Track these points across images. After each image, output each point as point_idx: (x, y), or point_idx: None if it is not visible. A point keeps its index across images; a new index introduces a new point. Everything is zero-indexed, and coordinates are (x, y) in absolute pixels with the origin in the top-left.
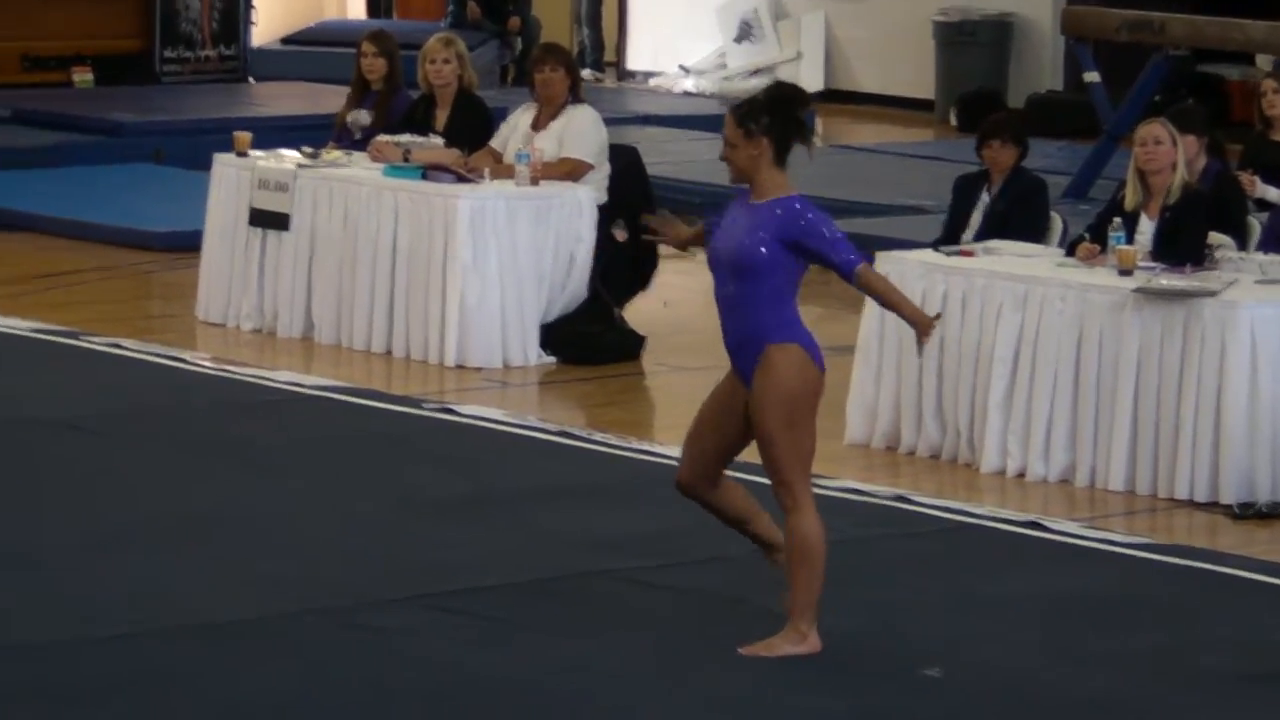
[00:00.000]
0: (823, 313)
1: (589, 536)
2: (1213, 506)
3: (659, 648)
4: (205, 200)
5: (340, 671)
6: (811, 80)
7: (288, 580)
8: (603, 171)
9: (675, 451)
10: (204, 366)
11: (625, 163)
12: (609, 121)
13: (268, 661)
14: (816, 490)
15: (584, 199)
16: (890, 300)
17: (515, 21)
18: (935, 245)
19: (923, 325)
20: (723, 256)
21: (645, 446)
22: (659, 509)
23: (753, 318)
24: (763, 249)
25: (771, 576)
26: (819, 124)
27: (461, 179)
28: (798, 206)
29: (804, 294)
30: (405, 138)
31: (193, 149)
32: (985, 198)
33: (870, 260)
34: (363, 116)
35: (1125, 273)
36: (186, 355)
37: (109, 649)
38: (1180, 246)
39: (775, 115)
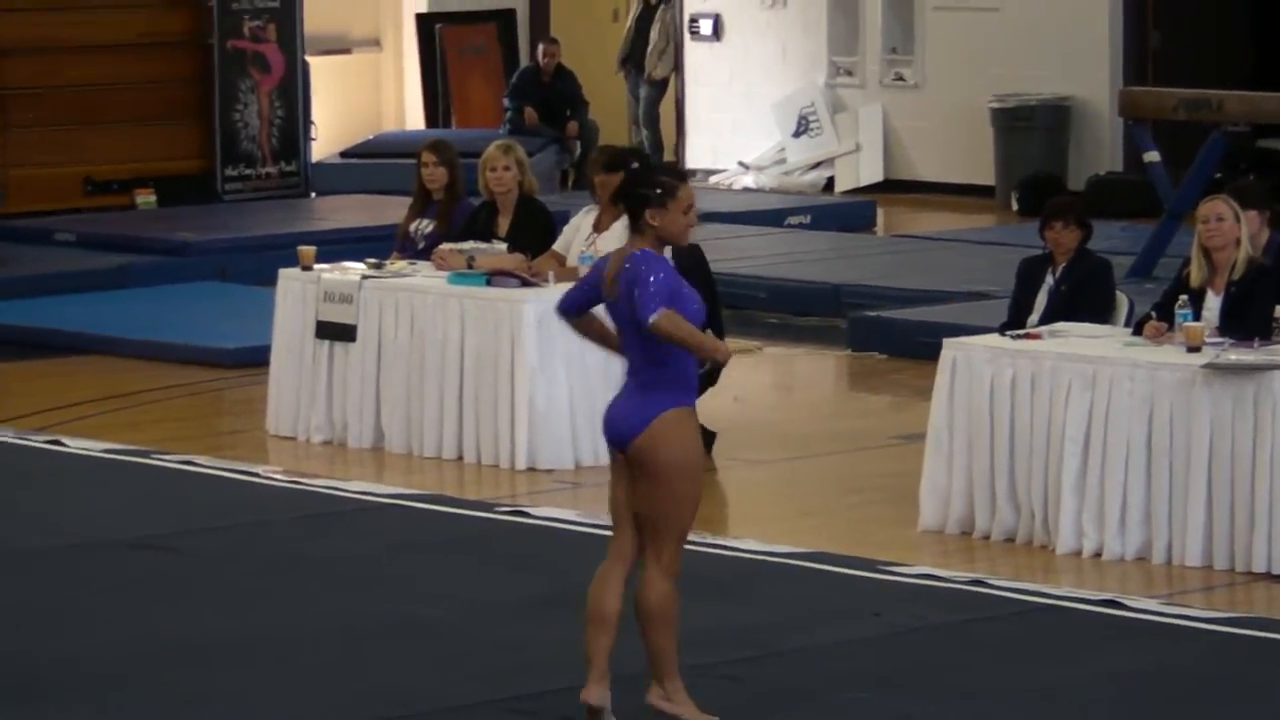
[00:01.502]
0: (893, 400)
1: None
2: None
3: None
4: (271, 315)
5: None
6: (871, 171)
7: (365, 689)
8: None
9: (749, 545)
10: (277, 480)
11: (689, 260)
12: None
13: None
14: (894, 578)
15: None
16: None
17: (573, 126)
18: (1002, 330)
19: (713, 348)
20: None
21: (719, 541)
22: (736, 604)
23: None
24: None
25: (844, 670)
26: (880, 214)
27: (526, 283)
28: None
29: (873, 384)
30: (469, 245)
31: (257, 265)
32: (1050, 280)
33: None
34: (425, 225)
35: (1193, 349)
36: (259, 469)
37: None
38: (1247, 321)
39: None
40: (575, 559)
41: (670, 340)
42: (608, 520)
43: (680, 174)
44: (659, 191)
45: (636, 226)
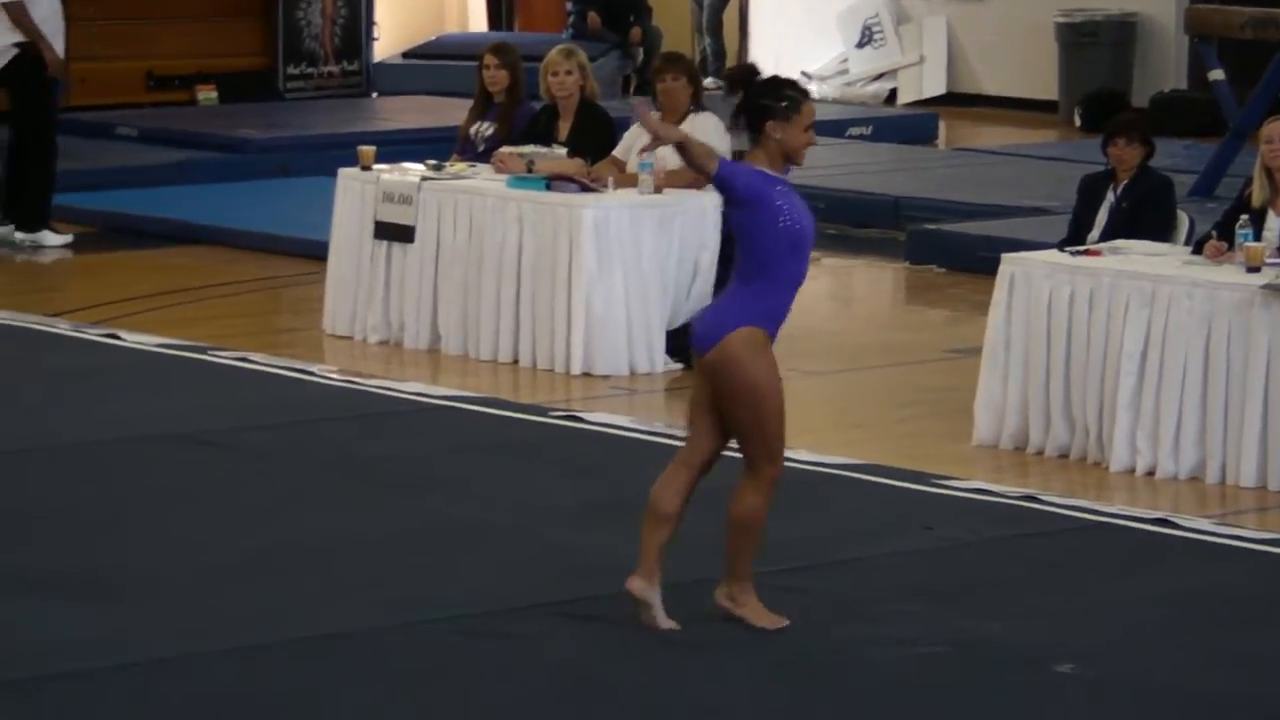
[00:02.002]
0: (950, 314)
1: (720, 542)
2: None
3: (794, 651)
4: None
5: (473, 680)
6: (934, 84)
7: (419, 590)
8: None
9: (803, 456)
10: (332, 379)
11: None
12: (731, 129)
13: (400, 672)
14: (947, 492)
15: (708, 205)
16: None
17: (637, 32)
18: (1061, 246)
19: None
20: (809, 236)
21: None
22: (789, 514)
23: None
24: None
25: (897, 581)
26: (942, 127)
27: (585, 188)
28: None
29: (930, 297)
30: (529, 149)
31: (318, 164)
32: (1111, 197)
33: None
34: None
35: (1253, 269)
36: (314, 368)
37: (232, 663)
38: None
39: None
40: (628, 465)
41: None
42: (661, 428)
43: (804, 90)
44: (784, 105)
45: (756, 139)
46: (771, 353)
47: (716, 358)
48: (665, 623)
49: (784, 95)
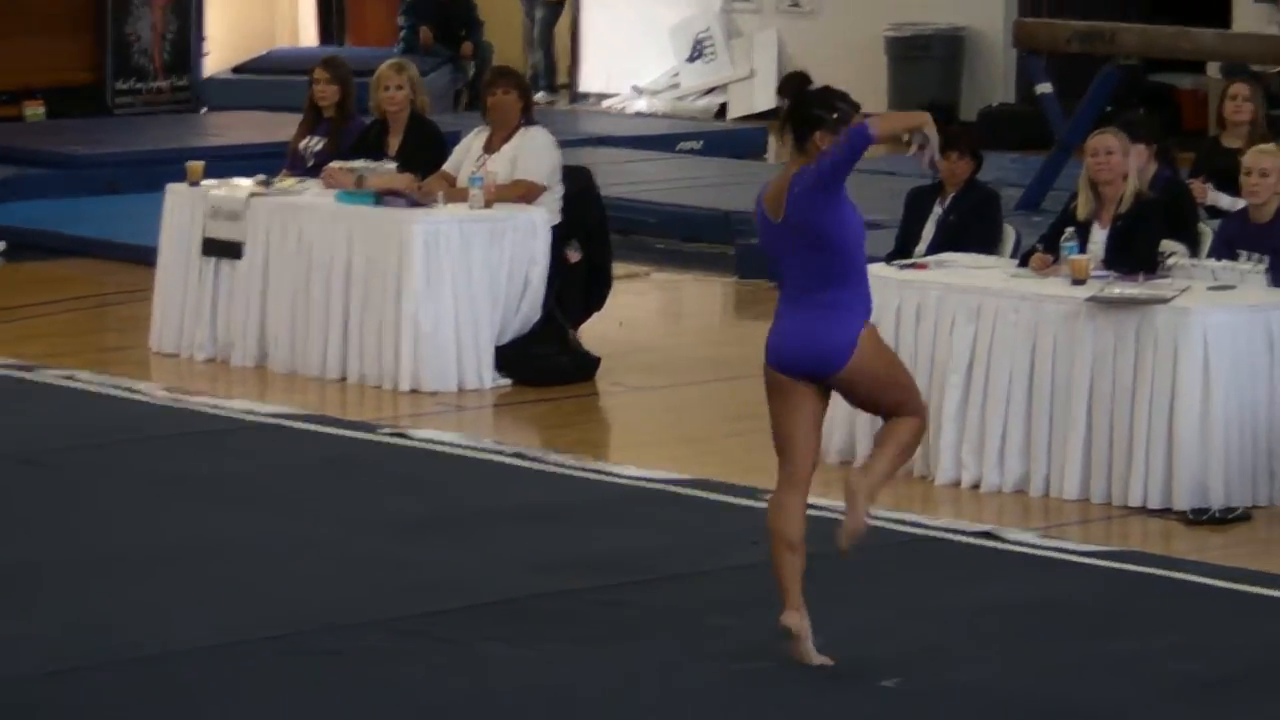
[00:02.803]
0: None
1: (549, 557)
2: (1166, 513)
3: (623, 666)
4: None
5: (302, 698)
6: (764, 98)
7: (248, 608)
8: (556, 193)
9: (631, 471)
10: (158, 397)
11: (579, 184)
12: (562, 143)
13: (228, 690)
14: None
15: (538, 221)
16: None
17: (468, 46)
18: (889, 259)
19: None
20: None
21: (601, 467)
22: (616, 529)
23: None
24: None
25: (722, 596)
26: (772, 141)
27: (415, 203)
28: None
29: (760, 312)
30: (359, 163)
31: (147, 180)
32: (938, 210)
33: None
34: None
35: (1078, 282)
36: (141, 386)
37: (56, 684)
38: (1133, 255)
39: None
40: (456, 481)
41: (894, 129)
42: (490, 444)
43: (855, 104)
44: (835, 116)
45: (803, 148)
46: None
47: (856, 366)
48: (817, 658)
49: (836, 107)
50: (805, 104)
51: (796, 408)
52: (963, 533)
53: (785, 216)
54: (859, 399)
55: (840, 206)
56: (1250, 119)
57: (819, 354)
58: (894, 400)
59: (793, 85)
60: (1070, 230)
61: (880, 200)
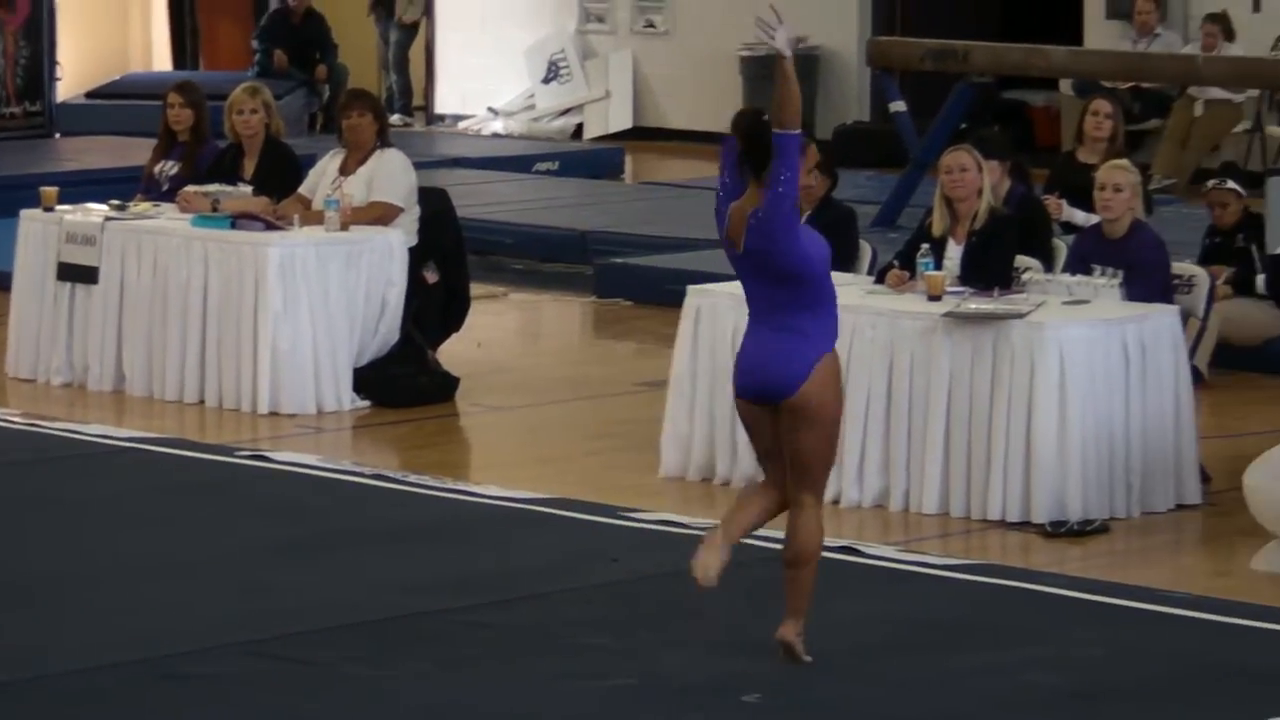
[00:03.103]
0: (638, 347)
1: (411, 579)
2: (1025, 526)
3: (488, 687)
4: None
5: None
6: (620, 118)
7: (110, 633)
8: (412, 214)
9: (492, 491)
10: (14, 422)
11: (435, 205)
12: (418, 165)
13: (91, 715)
14: (634, 524)
15: (394, 242)
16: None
17: (322, 69)
18: None
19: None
20: None
21: (462, 487)
22: (477, 549)
23: None
24: None
25: (583, 615)
26: (628, 161)
27: (271, 226)
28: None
29: (618, 331)
30: (213, 187)
31: (0, 206)
32: None
33: None
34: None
35: (935, 298)
36: None
37: None
38: (988, 270)
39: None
40: (316, 503)
41: (793, 108)
42: (349, 465)
43: (810, 136)
44: None
45: (762, 178)
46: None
47: (809, 390)
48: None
49: None
50: (763, 135)
51: (757, 431)
52: (823, 548)
53: (745, 247)
54: (789, 434)
55: (796, 237)
56: (1110, 135)
57: (770, 381)
58: (809, 461)
59: (746, 120)
60: (926, 247)
61: None
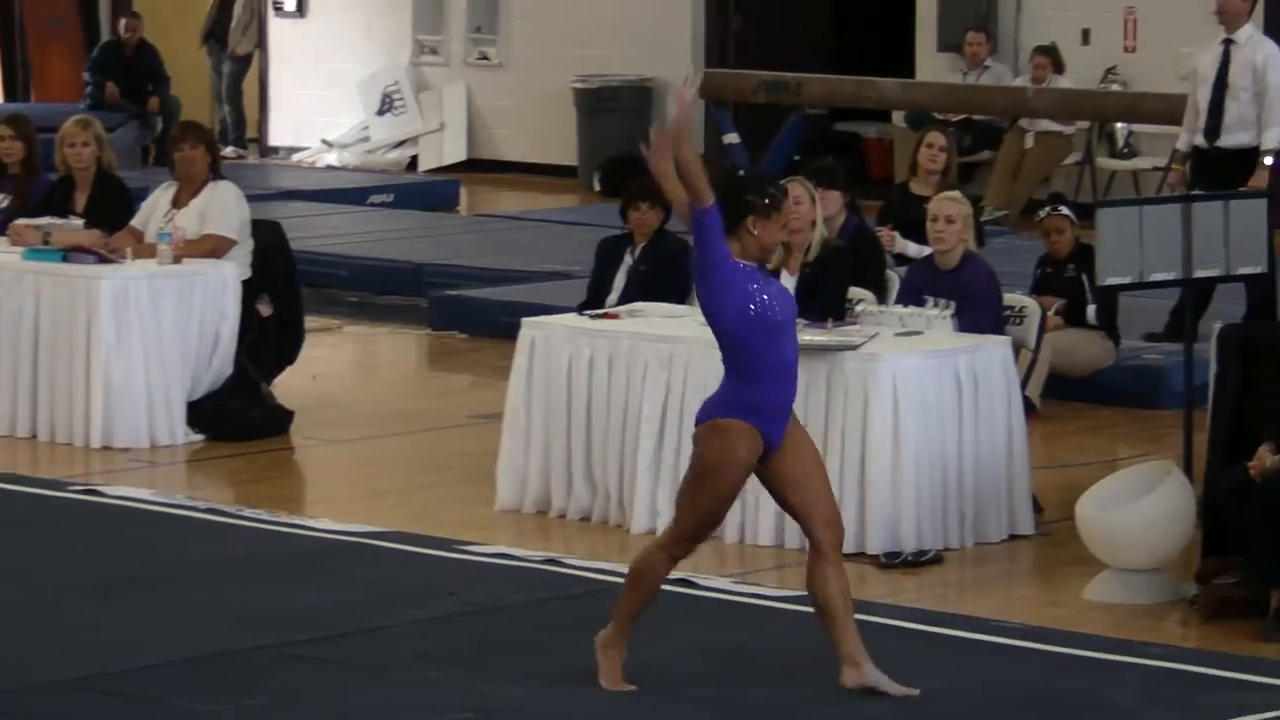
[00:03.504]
0: (473, 380)
1: (245, 613)
2: (860, 557)
3: None
4: None
5: None
6: (454, 150)
7: None
8: (246, 247)
9: (327, 525)
10: None
11: (268, 238)
12: (252, 198)
13: None
14: (470, 557)
15: (227, 275)
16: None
17: (154, 101)
18: (580, 309)
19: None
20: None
21: (297, 521)
22: (311, 583)
23: None
24: None
25: (419, 648)
26: (463, 193)
27: (103, 260)
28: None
29: (453, 363)
30: (45, 220)
31: None
32: (629, 260)
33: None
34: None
35: None
36: None
37: None
38: (821, 302)
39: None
40: (150, 538)
41: (696, 179)
42: (183, 499)
43: (784, 189)
44: (766, 201)
45: (735, 233)
46: (747, 453)
47: (699, 434)
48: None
49: (766, 192)
50: (739, 191)
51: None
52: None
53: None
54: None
55: (719, 299)
56: (943, 167)
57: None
58: (680, 502)
59: (721, 175)
60: None
61: (572, 251)
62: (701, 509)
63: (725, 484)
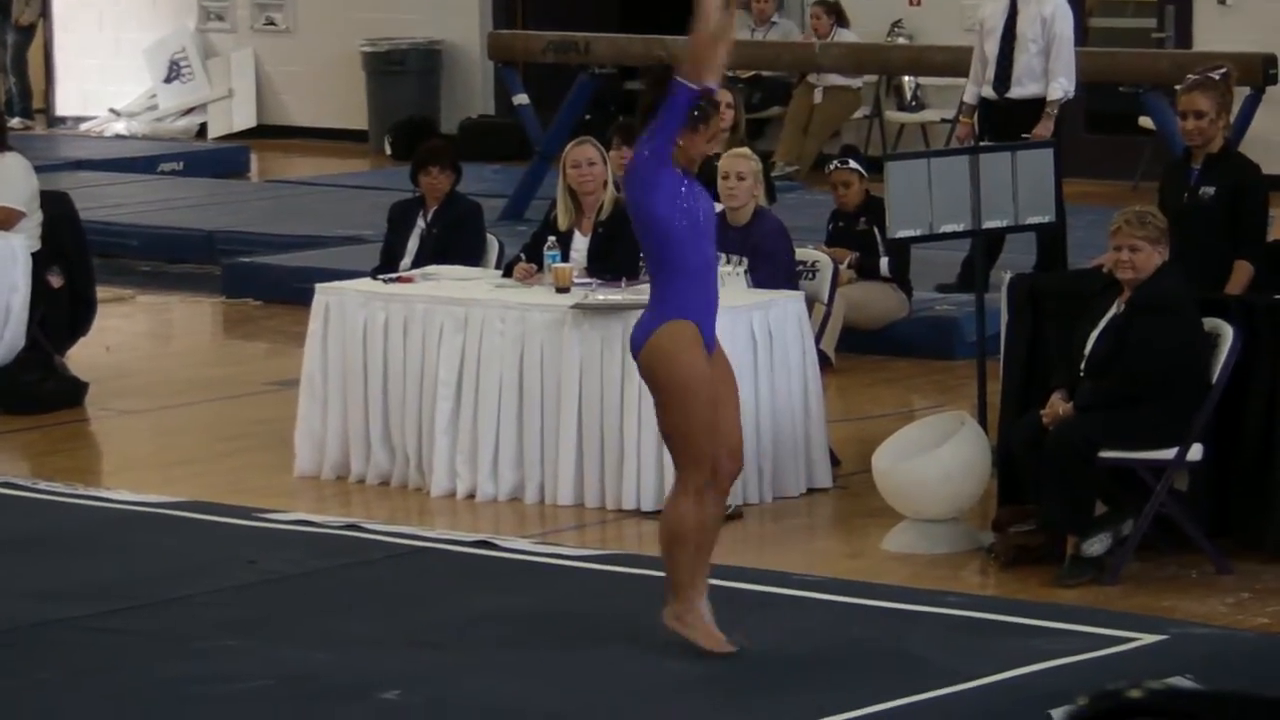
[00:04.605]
0: (269, 347)
1: (43, 586)
2: (659, 515)
3: (123, 693)
4: None
5: None
6: (244, 117)
7: None
8: (35, 219)
9: (125, 496)
10: None
11: (57, 209)
12: (40, 168)
13: None
14: (269, 525)
15: (17, 247)
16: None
17: None
18: (374, 274)
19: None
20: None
21: (93, 492)
22: (109, 555)
23: None
24: None
25: (222, 617)
26: (254, 160)
27: None
28: None
29: (248, 330)
30: None
31: None
32: (421, 224)
33: None
34: None
35: (562, 290)
36: None
37: None
38: (614, 261)
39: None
40: None
41: (705, 58)
42: None
43: (717, 104)
44: (695, 113)
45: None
46: (700, 349)
47: (644, 358)
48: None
49: (697, 106)
50: (663, 89)
51: None
52: (459, 543)
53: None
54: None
55: (650, 194)
56: (732, 125)
57: (632, 335)
58: (666, 433)
59: (654, 73)
60: (552, 239)
61: (365, 215)
62: (686, 428)
63: (693, 386)
